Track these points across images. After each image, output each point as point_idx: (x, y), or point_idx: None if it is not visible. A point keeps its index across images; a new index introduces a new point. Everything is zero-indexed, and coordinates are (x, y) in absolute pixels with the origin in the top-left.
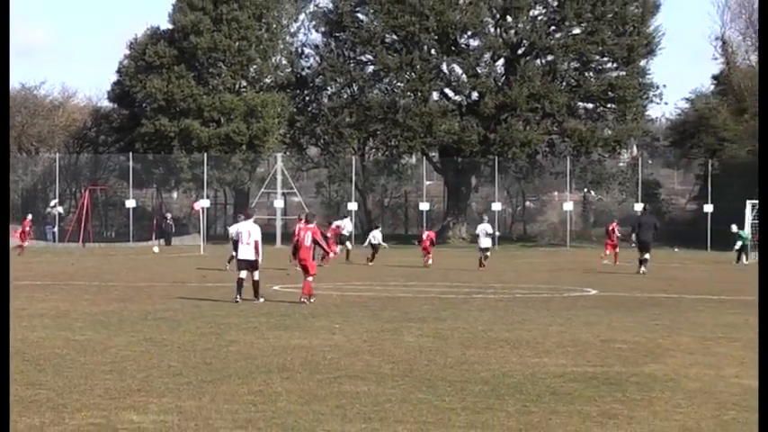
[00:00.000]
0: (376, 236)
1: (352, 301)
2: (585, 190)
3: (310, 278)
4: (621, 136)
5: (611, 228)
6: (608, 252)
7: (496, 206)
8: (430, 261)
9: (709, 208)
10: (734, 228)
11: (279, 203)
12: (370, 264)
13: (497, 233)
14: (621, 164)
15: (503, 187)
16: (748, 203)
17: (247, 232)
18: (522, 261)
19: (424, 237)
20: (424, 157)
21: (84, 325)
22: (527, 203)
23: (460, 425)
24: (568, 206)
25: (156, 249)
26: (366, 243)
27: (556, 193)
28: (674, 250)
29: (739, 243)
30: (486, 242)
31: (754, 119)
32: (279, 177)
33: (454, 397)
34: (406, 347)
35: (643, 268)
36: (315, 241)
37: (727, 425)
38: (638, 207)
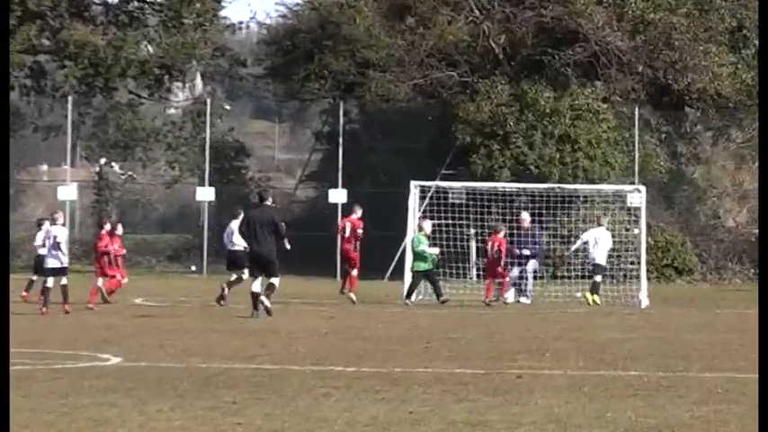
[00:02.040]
0: None
1: None
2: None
3: None
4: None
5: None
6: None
7: None
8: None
9: (338, 195)
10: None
11: None
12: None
13: None
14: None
15: None
16: (413, 185)
17: None
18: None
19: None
20: None
21: None
22: None
23: None
24: None
25: None
26: None
27: None
28: None
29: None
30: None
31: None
32: None
33: None
34: None
35: (266, 302)
36: None
37: None
38: (204, 196)
